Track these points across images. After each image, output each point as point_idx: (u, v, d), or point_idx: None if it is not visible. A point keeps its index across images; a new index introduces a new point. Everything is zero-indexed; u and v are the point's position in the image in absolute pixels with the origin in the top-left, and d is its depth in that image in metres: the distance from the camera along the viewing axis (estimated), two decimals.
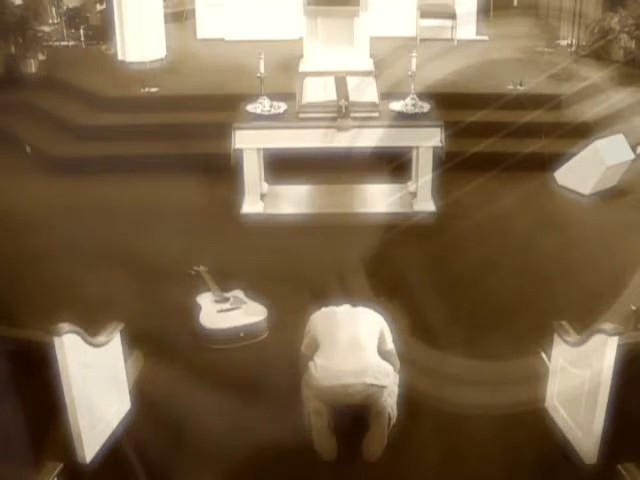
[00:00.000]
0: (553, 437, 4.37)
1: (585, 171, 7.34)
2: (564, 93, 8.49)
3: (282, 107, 6.97)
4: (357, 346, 4.41)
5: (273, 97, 7.03)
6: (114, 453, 4.24)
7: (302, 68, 8.98)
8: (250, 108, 6.96)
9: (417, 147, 6.96)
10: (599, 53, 9.59)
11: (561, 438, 4.34)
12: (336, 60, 8.61)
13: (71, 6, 10.78)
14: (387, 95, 7.22)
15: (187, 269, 5.90)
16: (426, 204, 7.02)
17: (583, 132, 7.93)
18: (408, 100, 6.99)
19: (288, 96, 7.16)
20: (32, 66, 9.56)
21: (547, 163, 7.69)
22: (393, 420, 4.36)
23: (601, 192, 7.39)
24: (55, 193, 7.53)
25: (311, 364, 4.42)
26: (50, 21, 10.63)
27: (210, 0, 10.39)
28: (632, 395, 3.93)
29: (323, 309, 4.69)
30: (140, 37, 9.28)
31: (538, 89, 8.54)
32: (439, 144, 6.79)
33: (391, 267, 6.08)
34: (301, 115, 6.86)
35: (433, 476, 4.21)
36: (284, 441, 4.34)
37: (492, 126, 7.89)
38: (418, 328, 5.20)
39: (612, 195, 7.41)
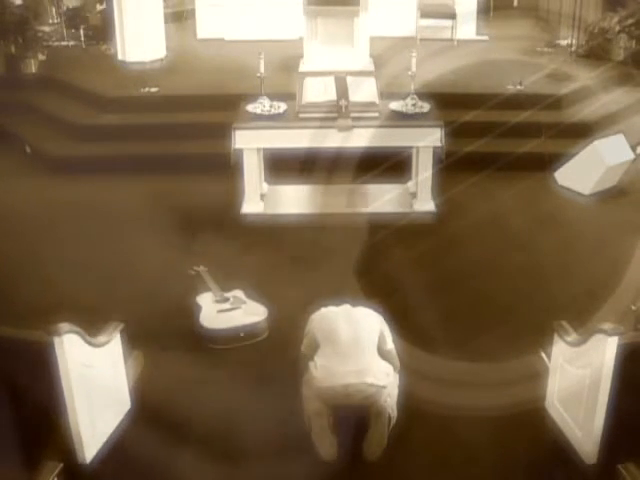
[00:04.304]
0: (553, 437, 4.37)
1: (585, 171, 7.35)
2: (564, 93, 8.49)
3: (282, 107, 6.96)
4: (357, 346, 4.41)
5: (273, 97, 7.03)
6: (114, 453, 4.24)
7: (302, 68, 8.98)
8: (250, 108, 6.95)
9: (417, 147, 6.96)
10: (599, 53, 9.59)
11: (561, 438, 4.34)
12: (336, 60, 8.62)
13: (71, 6, 10.78)
14: (387, 95, 7.22)
15: (187, 269, 5.90)
16: (426, 204, 7.02)
17: (583, 132, 7.93)
18: (408, 100, 6.99)
19: (288, 96, 7.15)
20: (32, 66, 9.56)
21: (547, 163, 7.70)
22: (393, 420, 4.35)
23: (601, 192, 7.39)
24: (55, 193, 7.53)
25: (311, 364, 4.42)
26: (50, 21, 10.62)
27: (210, 0, 10.40)
28: (632, 395, 3.93)
29: (323, 309, 4.68)
30: (140, 37, 9.28)
31: (538, 89, 8.54)
32: (439, 144, 6.78)
33: (391, 267, 6.08)
34: (301, 115, 6.86)
35: (433, 476, 4.21)
36: (284, 441, 4.35)
37: (492, 126, 7.89)
38: (417, 327, 5.21)
39: (612, 195, 7.41)
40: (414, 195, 7.16)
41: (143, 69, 9.22)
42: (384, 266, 6.10)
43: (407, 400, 4.48)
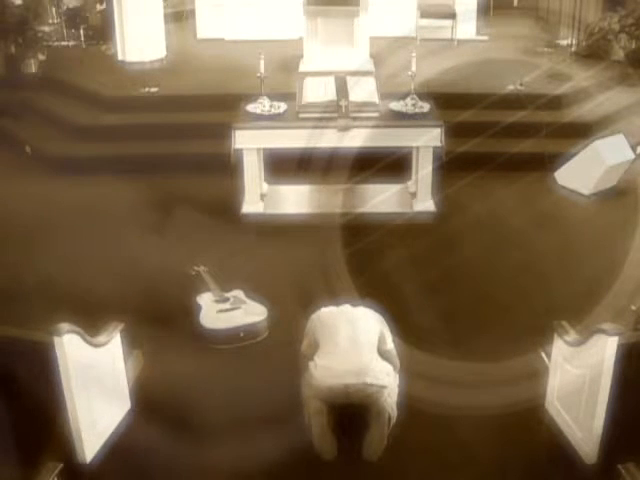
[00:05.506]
0: (553, 436, 4.37)
1: (585, 171, 7.34)
2: (564, 93, 8.49)
3: (282, 107, 6.97)
4: (357, 346, 4.41)
5: (273, 97, 7.04)
6: (114, 453, 4.24)
7: (302, 68, 8.98)
8: (250, 108, 6.96)
9: (417, 147, 6.96)
10: (599, 53, 9.59)
11: (561, 437, 4.34)
12: (336, 60, 8.62)
13: (71, 6, 10.77)
14: (387, 95, 7.22)
15: (187, 269, 5.90)
16: (426, 204, 7.02)
17: (583, 132, 7.93)
18: (408, 100, 6.99)
19: (288, 96, 7.16)
20: (32, 66, 9.56)
21: (547, 163, 7.70)
22: (393, 420, 4.36)
23: (601, 192, 7.39)
24: (55, 193, 7.53)
25: (311, 364, 4.42)
26: (50, 21, 10.61)
27: (210, 0, 10.40)
28: (632, 395, 3.93)
29: (323, 309, 4.69)
30: (140, 37, 9.28)
31: (538, 89, 8.54)
32: (439, 144, 6.79)
33: (391, 266, 6.08)
34: (301, 115, 6.86)
35: (433, 476, 4.21)
36: (284, 441, 4.34)
37: (492, 126, 7.89)
38: (417, 327, 5.21)
39: (612, 195, 7.41)
40: (414, 195, 7.16)
41: (143, 69, 9.22)
42: (384, 266, 6.10)
43: (407, 400, 4.48)
